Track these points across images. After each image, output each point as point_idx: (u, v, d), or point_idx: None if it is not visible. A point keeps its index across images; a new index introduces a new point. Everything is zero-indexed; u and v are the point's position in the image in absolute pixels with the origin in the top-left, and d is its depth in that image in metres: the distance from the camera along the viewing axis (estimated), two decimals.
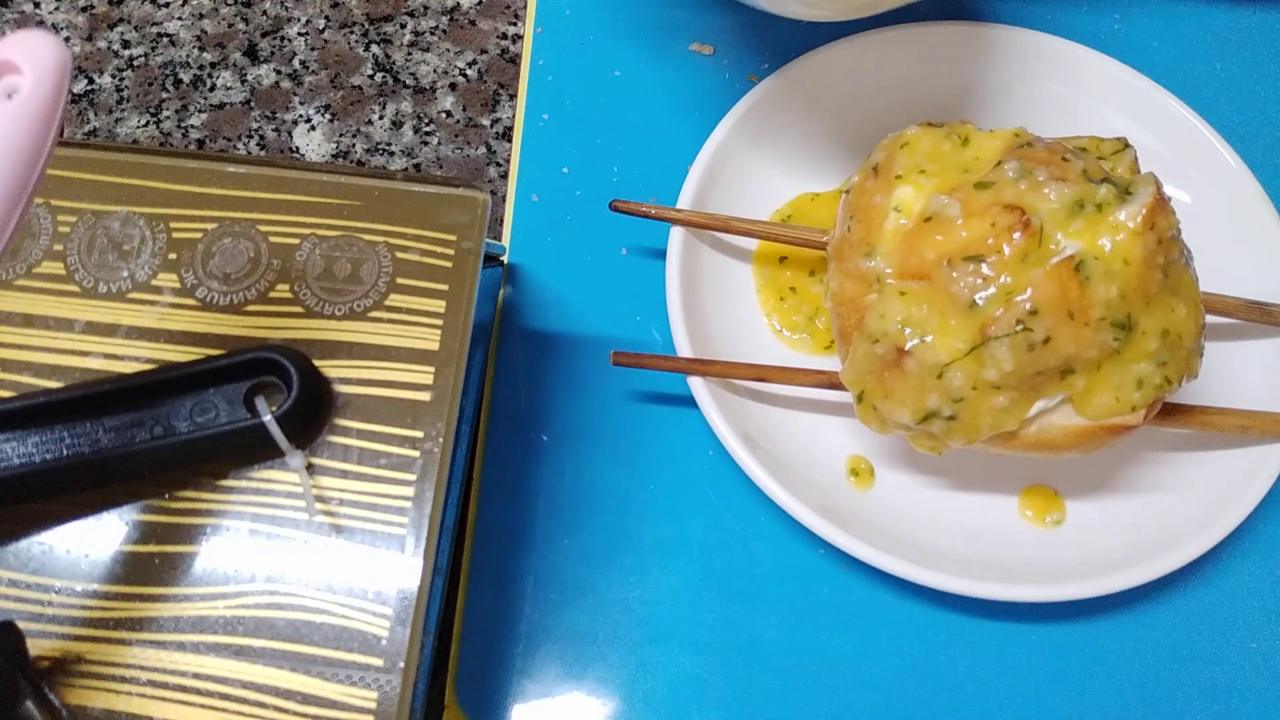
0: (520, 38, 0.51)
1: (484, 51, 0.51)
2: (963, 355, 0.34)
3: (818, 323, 0.44)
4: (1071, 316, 0.33)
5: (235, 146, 0.49)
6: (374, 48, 0.51)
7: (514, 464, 0.42)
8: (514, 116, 0.49)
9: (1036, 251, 0.33)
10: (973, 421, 0.35)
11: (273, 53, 0.51)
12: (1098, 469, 0.41)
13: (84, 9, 0.52)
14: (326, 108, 0.49)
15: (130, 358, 0.34)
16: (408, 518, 0.32)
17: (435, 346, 0.34)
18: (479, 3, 0.52)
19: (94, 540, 0.32)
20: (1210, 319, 0.42)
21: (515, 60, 0.51)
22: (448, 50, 0.51)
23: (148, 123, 0.49)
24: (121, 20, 0.51)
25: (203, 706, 0.30)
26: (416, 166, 0.48)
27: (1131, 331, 0.34)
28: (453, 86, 0.50)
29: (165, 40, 0.51)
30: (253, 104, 0.50)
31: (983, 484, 0.41)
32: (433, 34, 0.51)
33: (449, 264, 0.35)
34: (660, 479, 0.42)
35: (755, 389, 0.42)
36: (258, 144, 0.49)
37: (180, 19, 0.52)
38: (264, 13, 0.52)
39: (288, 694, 0.30)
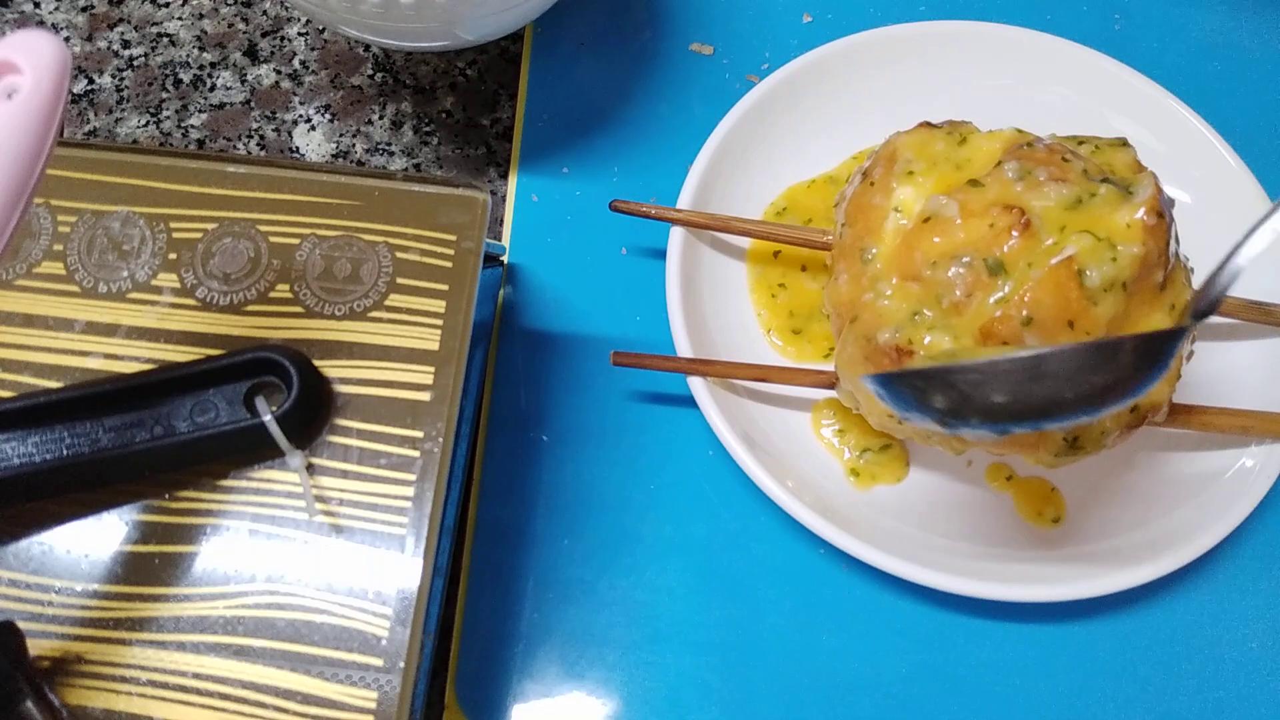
0: (520, 38, 0.51)
1: (484, 51, 0.51)
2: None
3: (814, 331, 0.44)
4: (1071, 326, 0.33)
5: (235, 146, 0.49)
6: (374, 48, 0.51)
7: (514, 464, 0.42)
8: (514, 116, 0.49)
9: (1036, 252, 0.33)
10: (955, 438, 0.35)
11: (273, 53, 0.51)
12: (1098, 469, 0.41)
13: (84, 9, 0.52)
14: (326, 108, 0.49)
15: (130, 358, 0.34)
16: (408, 518, 0.32)
17: (435, 346, 0.34)
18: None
19: (94, 540, 0.32)
20: (1210, 319, 0.42)
21: (515, 60, 0.50)
22: (448, 50, 0.51)
23: (148, 123, 0.49)
24: (121, 20, 0.51)
25: (203, 706, 0.30)
26: (416, 166, 0.48)
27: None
28: (453, 86, 0.50)
29: (165, 40, 0.51)
30: (253, 104, 0.50)
31: (982, 483, 0.41)
32: None
33: (449, 264, 0.35)
34: (660, 479, 0.42)
35: (755, 389, 0.42)
36: (258, 144, 0.49)
37: (180, 19, 0.52)
38: (264, 13, 0.52)
39: (288, 694, 0.30)
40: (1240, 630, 0.40)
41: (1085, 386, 0.28)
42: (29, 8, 0.52)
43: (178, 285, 0.35)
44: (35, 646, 0.30)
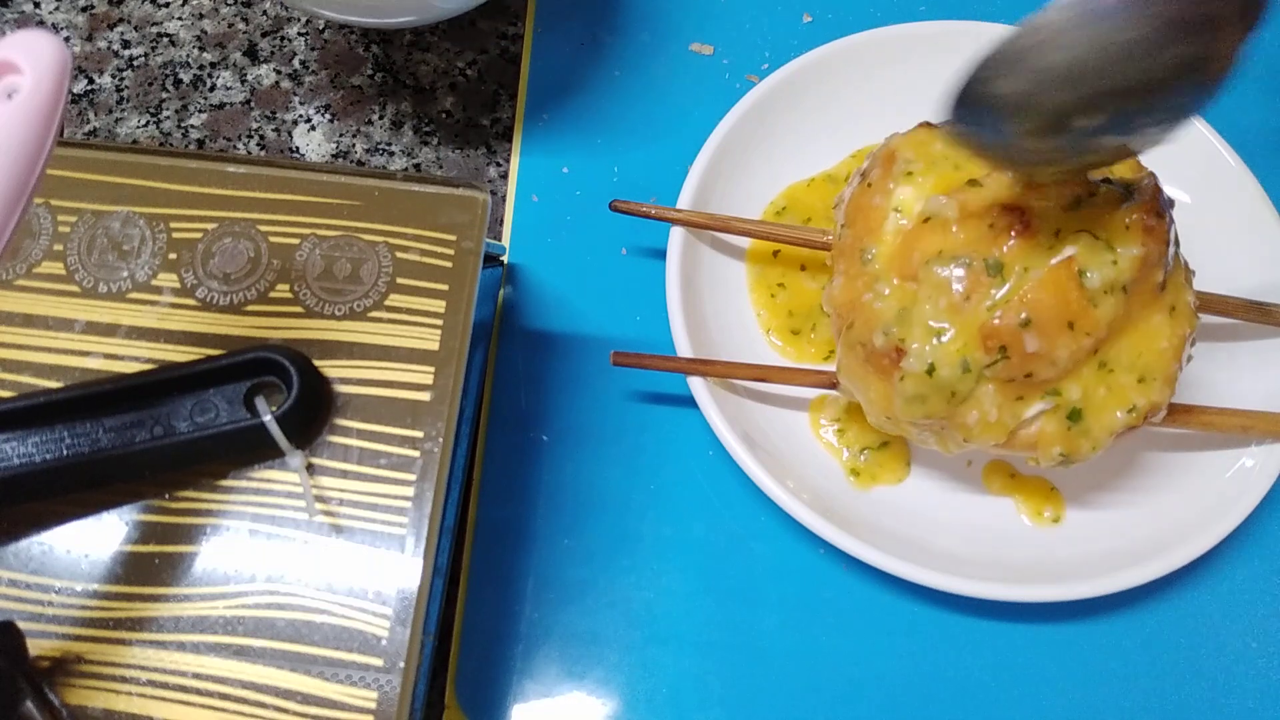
0: (520, 38, 0.51)
1: (484, 51, 0.51)
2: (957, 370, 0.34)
3: (812, 334, 0.44)
4: (1071, 327, 0.33)
5: (235, 146, 0.49)
6: (374, 48, 0.51)
7: (514, 464, 0.42)
8: (514, 116, 0.49)
9: (1035, 252, 0.33)
10: (955, 434, 0.35)
11: (273, 53, 0.51)
12: (1098, 468, 0.41)
13: (84, 9, 0.52)
14: (326, 108, 0.49)
15: (130, 358, 0.34)
16: (408, 518, 0.32)
17: (435, 346, 0.34)
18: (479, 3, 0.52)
19: (94, 540, 0.32)
20: (1210, 319, 0.42)
21: (515, 60, 0.51)
22: (448, 50, 0.51)
23: (148, 123, 0.49)
24: (121, 20, 0.51)
25: (203, 706, 0.30)
26: (416, 166, 0.48)
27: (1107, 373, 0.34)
28: (453, 86, 0.50)
29: (165, 40, 0.51)
30: (253, 104, 0.50)
31: (982, 483, 0.41)
32: (433, 34, 0.51)
33: (449, 264, 0.35)
34: (660, 479, 0.42)
35: (755, 389, 0.42)
36: (258, 144, 0.49)
37: (180, 19, 0.52)
38: (264, 13, 0.52)
39: (288, 694, 0.30)
40: (1240, 630, 0.40)
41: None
42: (29, 8, 0.52)
43: (178, 285, 0.35)
44: (35, 646, 0.30)
